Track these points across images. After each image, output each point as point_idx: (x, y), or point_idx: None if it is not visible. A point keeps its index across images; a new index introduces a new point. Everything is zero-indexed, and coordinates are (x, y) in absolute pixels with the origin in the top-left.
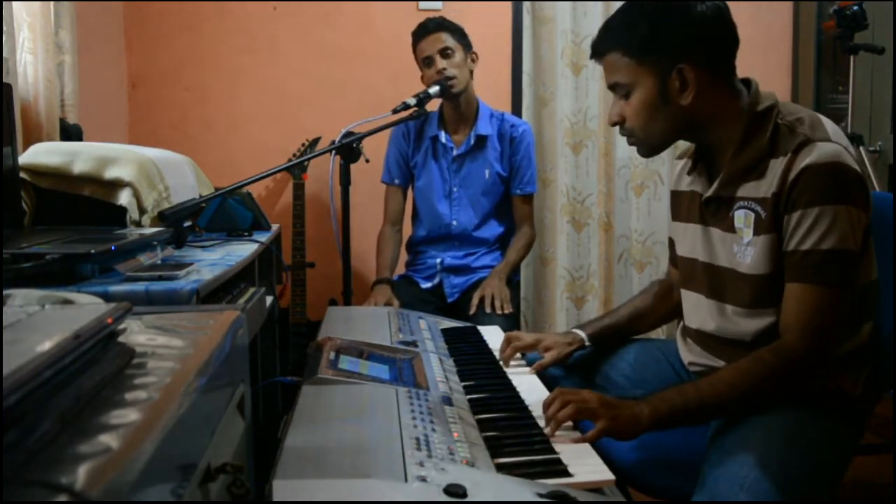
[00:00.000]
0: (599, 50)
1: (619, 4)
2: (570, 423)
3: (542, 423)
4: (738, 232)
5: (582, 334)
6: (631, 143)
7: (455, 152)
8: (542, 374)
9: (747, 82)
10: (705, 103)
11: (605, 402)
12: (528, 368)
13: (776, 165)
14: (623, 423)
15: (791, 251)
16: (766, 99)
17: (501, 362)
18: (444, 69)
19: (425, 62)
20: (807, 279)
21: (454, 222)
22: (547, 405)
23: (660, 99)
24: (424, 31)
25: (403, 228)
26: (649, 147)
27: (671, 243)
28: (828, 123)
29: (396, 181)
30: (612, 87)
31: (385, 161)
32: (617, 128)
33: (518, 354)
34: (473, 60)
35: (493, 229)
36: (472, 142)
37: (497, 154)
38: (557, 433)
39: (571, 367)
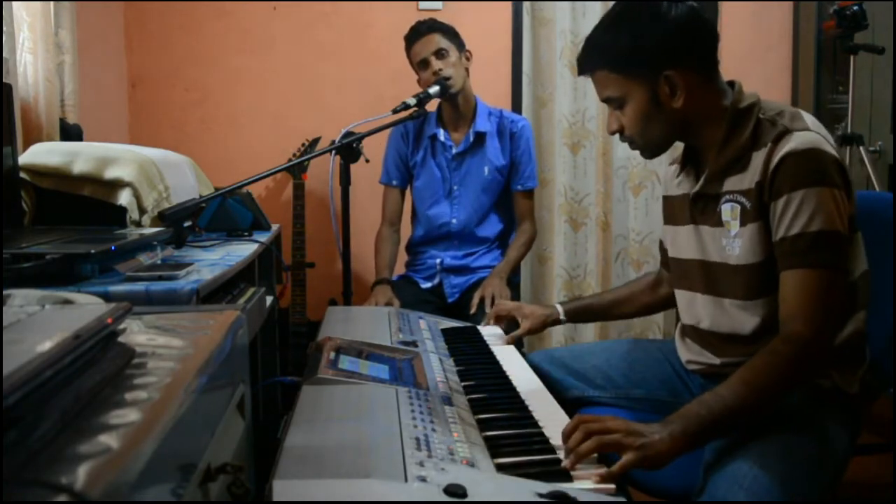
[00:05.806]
0: (585, 69)
1: None
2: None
3: (542, 423)
4: (726, 225)
5: (559, 309)
6: (633, 149)
7: (454, 150)
8: (540, 371)
9: (731, 84)
10: (696, 103)
11: (630, 431)
12: (502, 341)
13: (758, 157)
14: (653, 452)
15: (780, 239)
16: (749, 97)
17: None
18: (440, 70)
19: (421, 65)
20: (799, 264)
21: (454, 221)
22: (567, 434)
23: (653, 106)
24: (417, 34)
25: (402, 230)
26: (651, 151)
27: (662, 246)
28: (807, 116)
29: (394, 182)
30: (606, 100)
31: (384, 162)
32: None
33: (501, 332)
34: (468, 59)
35: (493, 227)
36: (472, 139)
37: (497, 151)
38: (580, 466)
39: (571, 367)
